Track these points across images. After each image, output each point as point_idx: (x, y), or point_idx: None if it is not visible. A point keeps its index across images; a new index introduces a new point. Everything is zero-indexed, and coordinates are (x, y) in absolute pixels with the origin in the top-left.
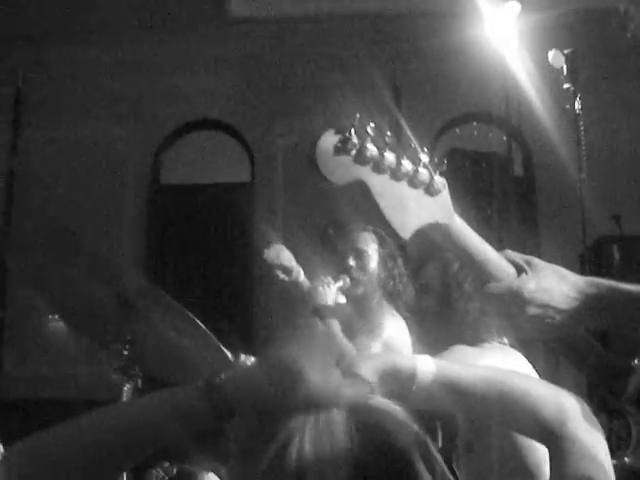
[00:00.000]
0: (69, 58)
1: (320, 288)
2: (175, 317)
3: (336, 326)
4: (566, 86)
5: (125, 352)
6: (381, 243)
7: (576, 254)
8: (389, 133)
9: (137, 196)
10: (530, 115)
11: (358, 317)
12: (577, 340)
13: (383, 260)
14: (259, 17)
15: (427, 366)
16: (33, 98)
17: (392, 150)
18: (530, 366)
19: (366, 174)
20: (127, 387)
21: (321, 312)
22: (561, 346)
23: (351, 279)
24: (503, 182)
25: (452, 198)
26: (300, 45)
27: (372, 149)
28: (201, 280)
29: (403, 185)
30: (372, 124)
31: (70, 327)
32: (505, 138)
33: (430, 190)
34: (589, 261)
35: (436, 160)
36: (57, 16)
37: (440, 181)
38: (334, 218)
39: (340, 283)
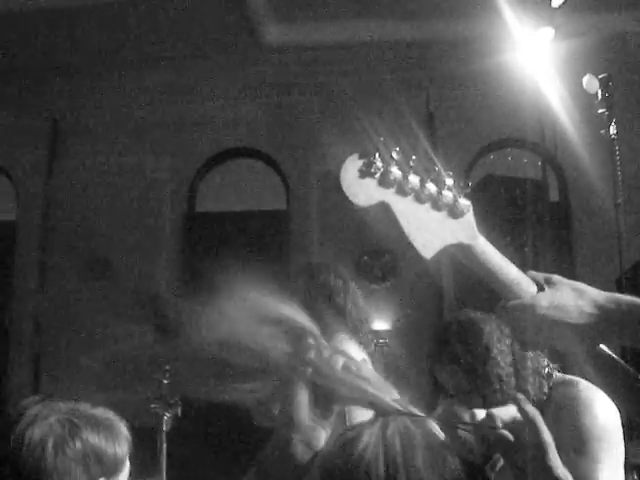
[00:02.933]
0: (105, 88)
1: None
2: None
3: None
4: (601, 111)
5: (165, 381)
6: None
7: (612, 279)
8: (414, 157)
9: (173, 224)
10: (565, 140)
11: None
12: (600, 358)
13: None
14: (294, 45)
15: None
16: (69, 128)
17: (416, 173)
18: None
19: (389, 196)
20: (167, 416)
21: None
22: (582, 363)
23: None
24: (539, 207)
25: (488, 224)
26: (335, 72)
27: (396, 172)
28: None
29: (427, 207)
30: (397, 149)
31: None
32: (540, 163)
33: (454, 212)
34: (625, 286)
35: (461, 184)
36: (92, 47)
37: (464, 204)
38: (369, 246)
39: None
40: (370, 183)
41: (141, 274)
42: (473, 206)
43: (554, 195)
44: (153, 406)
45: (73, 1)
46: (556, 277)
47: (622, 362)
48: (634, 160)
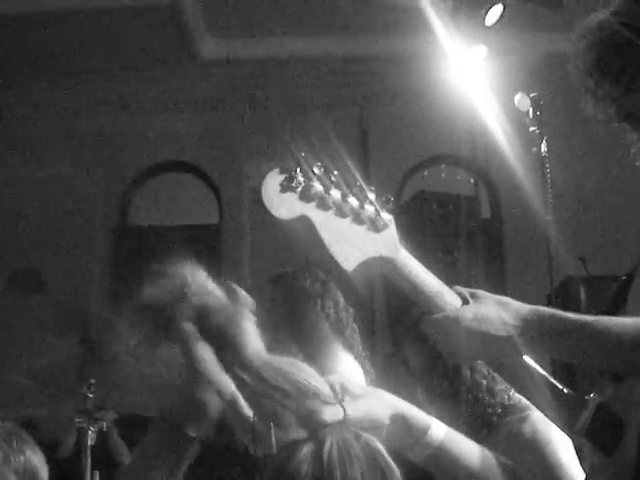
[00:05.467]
0: (37, 99)
1: None
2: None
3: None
4: (532, 129)
5: (89, 395)
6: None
7: (543, 295)
8: (335, 172)
9: (104, 237)
10: (497, 157)
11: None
12: (522, 370)
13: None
14: (228, 59)
15: (439, 429)
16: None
17: (338, 188)
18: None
19: (310, 210)
20: (92, 430)
21: None
22: (505, 375)
23: None
24: (470, 224)
25: (420, 239)
26: (268, 88)
27: (317, 187)
28: None
29: (348, 221)
30: (319, 164)
31: (31, 380)
32: (472, 180)
33: (375, 226)
34: (556, 302)
35: (383, 198)
36: (24, 58)
37: (386, 217)
38: (301, 261)
39: None
40: (291, 197)
41: (71, 287)
42: (405, 221)
43: (486, 211)
44: (77, 420)
45: (7, 9)
46: (480, 292)
47: (549, 377)
48: (564, 177)
